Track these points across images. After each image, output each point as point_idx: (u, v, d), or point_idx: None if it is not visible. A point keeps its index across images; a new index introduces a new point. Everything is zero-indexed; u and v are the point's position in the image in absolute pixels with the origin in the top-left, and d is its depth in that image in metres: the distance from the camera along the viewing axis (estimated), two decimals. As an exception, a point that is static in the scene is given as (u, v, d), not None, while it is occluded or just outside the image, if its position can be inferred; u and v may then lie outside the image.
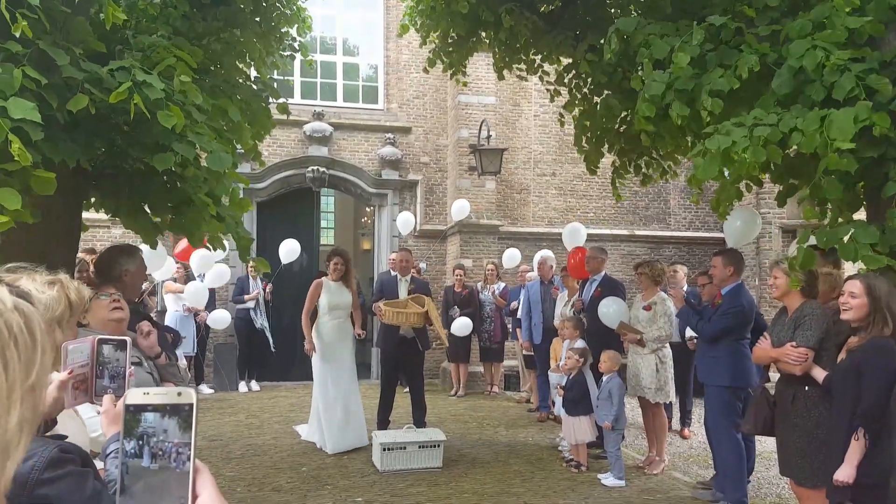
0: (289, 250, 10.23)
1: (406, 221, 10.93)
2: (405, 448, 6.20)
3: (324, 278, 7.04)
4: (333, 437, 6.74)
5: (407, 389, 7.92)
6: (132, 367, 1.72)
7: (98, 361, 1.63)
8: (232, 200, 3.89)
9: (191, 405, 1.00)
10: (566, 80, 6.33)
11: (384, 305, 6.97)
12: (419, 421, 7.28)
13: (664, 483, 5.94)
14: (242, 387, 10.58)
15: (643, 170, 6.46)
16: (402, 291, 7.34)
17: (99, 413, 1.70)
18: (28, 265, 1.79)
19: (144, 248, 4.34)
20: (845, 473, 3.19)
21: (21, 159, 2.62)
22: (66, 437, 1.43)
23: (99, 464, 1.51)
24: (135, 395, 0.98)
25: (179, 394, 0.98)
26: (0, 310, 0.60)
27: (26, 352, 0.62)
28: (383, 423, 7.18)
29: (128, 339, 1.71)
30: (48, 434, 1.53)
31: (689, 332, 6.77)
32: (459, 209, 10.77)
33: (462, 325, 9.44)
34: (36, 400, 0.58)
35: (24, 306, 0.64)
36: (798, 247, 3.52)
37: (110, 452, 1.51)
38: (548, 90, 6.88)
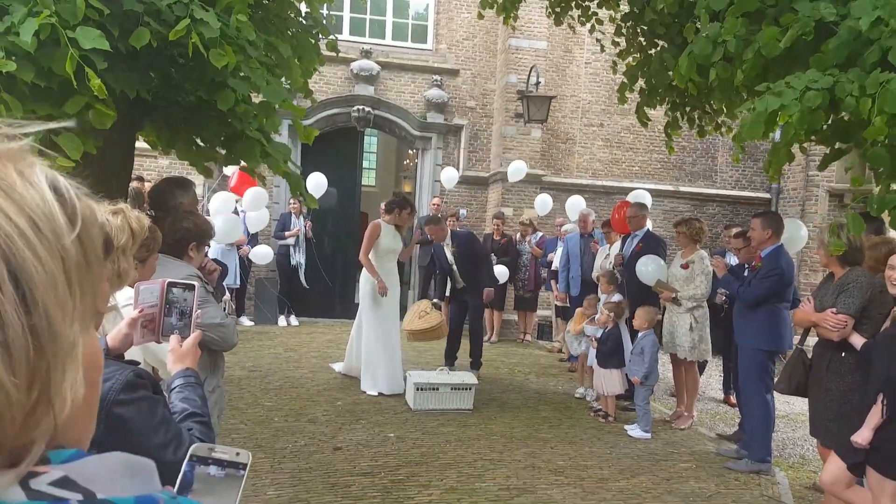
0: (316, 184, 9.83)
1: (450, 177, 10.85)
2: (438, 389, 6.36)
3: (381, 221, 7.07)
4: (391, 378, 6.88)
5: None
6: (199, 310, 1.81)
7: (167, 300, 1.73)
8: (297, 130, 3.92)
9: None
10: (624, 30, 6.17)
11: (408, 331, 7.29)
12: (475, 364, 7.75)
13: (689, 438, 6.01)
14: (282, 321, 10.86)
15: (697, 122, 6.32)
16: (449, 256, 7.70)
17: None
18: (90, 194, 1.88)
19: (206, 177, 4.44)
20: (862, 436, 3.22)
21: (99, 92, 2.71)
22: (140, 363, 1.52)
23: None
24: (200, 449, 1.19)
25: (238, 454, 1.20)
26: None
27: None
28: (451, 359, 7.70)
29: (196, 283, 1.80)
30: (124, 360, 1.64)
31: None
32: (516, 170, 10.63)
33: (498, 273, 9.49)
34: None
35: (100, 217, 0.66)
36: (847, 213, 3.46)
37: (175, 387, 1.61)
38: (598, 41, 6.72)
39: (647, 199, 8.32)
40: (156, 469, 0.61)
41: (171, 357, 1.70)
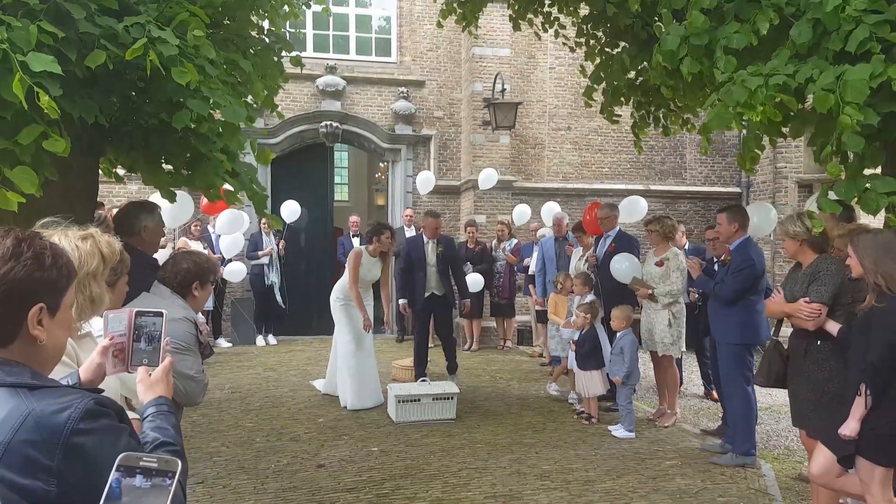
0: (290, 211, 10.40)
1: (426, 180, 10.85)
2: (419, 400, 6.32)
3: (363, 249, 7.01)
4: (361, 393, 6.81)
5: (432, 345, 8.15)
6: (168, 337, 1.79)
7: (135, 326, 1.71)
8: (252, 151, 3.88)
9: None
10: (585, 30, 6.22)
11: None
12: (452, 368, 7.65)
13: (674, 435, 6.03)
14: (260, 341, 10.76)
15: (662, 121, 6.39)
16: (431, 255, 7.50)
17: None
18: (60, 220, 1.84)
19: (170, 203, 4.35)
20: (850, 428, 3.22)
21: (50, 112, 2.64)
22: (103, 390, 1.48)
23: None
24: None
25: (167, 461, 1.28)
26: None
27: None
28: (421, 375, 7.35)
29: (164, 311, 1.76)
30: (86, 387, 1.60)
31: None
32: (487, 178, 10.59)
33: (474, 280, 9.49)
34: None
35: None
36: (820, 199, 3.51)
37: (147, 415, 1.57)
38: (565, 44, 6.76)
39: (643, 205, 8.20)
40: None
41: (141, 387, 1.66)
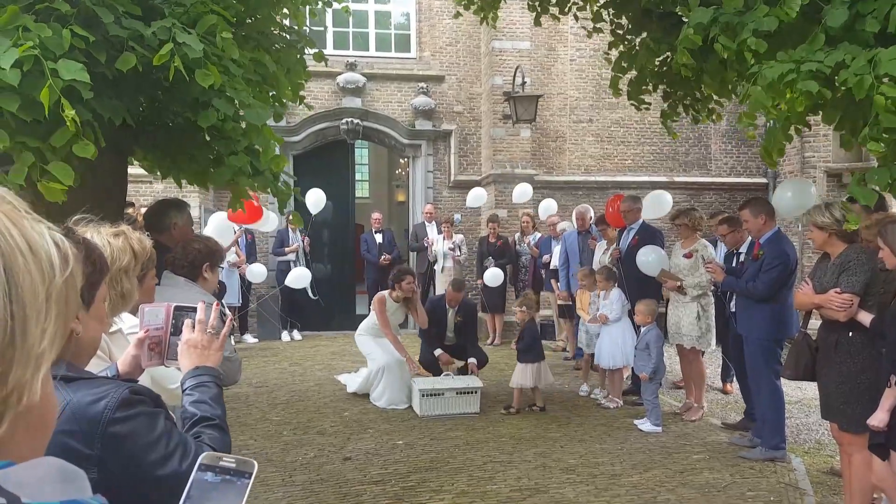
0: (315, 200, 10.11)
1: (478, 196, 10.61)
2: (443, 394, 6.34)
3: (386, 295, 7.06)
4: (404, 392, 6.77)
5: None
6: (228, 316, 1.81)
7: (174, 320, 1.74)
8: (264, 157, 3.89)
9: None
10: (607, 17, 6.16)
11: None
12: (482, 363, 7.34)
13: (701, 429, 5.99)
14: (285, 336, 10.87)
15: (691, 110, 6.31)
16: (450, 321, 7.43)
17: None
18: (91, 217, 1.87)
19: (215, 219, 4.38)
20: (878, 419, 3.17)
21: (70, 125, 2.71)
22: (137, 380, 1.51)
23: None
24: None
25: (244, 462, 1.22)
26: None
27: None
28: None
29: (200, 305, 1.78)
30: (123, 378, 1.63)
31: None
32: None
33: (493, 275, 9.42)
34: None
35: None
36: (854, 186, 3.46)
37: (186, 388, 1.59)
38: (584, 28, 6.69)
39: (667, 199, 7.77)
40: (86, 477, 0.65)
41: (184, 349, 1.67)
